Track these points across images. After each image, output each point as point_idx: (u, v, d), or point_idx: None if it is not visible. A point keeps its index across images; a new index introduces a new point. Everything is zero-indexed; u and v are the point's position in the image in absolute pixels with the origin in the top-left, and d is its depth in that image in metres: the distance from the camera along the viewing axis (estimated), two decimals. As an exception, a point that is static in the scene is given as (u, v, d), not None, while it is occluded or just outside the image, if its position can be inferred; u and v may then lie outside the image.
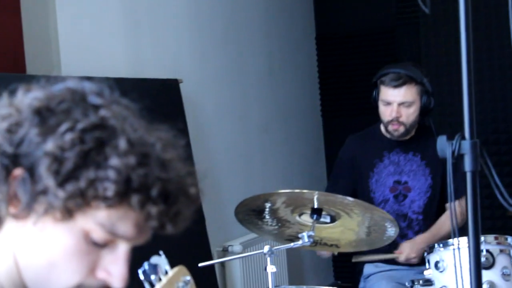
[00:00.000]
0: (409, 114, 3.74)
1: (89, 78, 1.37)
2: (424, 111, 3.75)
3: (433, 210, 3.83)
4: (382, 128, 3.92)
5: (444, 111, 5.80)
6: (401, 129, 3.76)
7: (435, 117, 5.63)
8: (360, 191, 3.87)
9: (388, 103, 3.74)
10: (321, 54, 6.71)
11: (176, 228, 1.32)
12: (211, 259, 3.66)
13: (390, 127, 3.77)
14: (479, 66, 5.69)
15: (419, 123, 3.87)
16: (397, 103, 3.72)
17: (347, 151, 3.97)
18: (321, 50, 6.71)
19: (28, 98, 1.29)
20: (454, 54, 6.02)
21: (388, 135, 3.85)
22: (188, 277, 1.53)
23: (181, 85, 4.42)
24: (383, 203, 3.82)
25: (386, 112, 3.76)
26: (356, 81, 6.40)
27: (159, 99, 4.18)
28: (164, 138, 1.31)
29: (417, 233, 3.82)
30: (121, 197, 1.23)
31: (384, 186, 3.84)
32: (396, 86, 3.71)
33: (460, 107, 1.81)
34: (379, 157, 3.87)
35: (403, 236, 3.80)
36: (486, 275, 2.88)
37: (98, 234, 1.26)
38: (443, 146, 1.80)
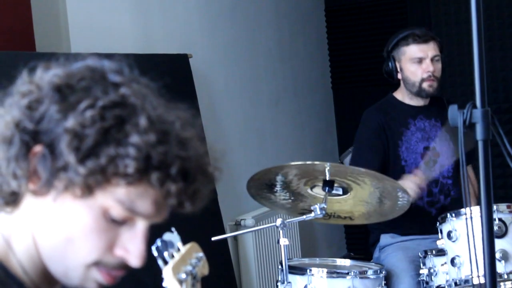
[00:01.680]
0: (439, 69, 3.84)
1: (108, 56, 1.39)
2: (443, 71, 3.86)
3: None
4: (400, 95, 3.94)
5: (454, 81, 5.80)
6: (435, 84, 3.82)
7: (446, 88, 5.65)
8: (390, 161, 3.85)
9: (420, 60, 3.79)
10: (330, 26, 6.68)
11: (194, 207, 1.34)
12: (224, 233, 3.69)
13: (426, 84, 3.81)
14: (490, 34, 5.68)
15: None
16: (430, 57, 3.78)
17: (370, 124, 3.91)
18: (330, 22, 6.68)
19: (48, 75, 1.30)
20: (464, 23, 6.02)
21: (407, 100, 3.86)
22: (201, 254, 1.55)
23: (190, 60, 4.42)
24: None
25: (419, 70, 3.80)
26: (366, 53, 6.38)
27: (168, 75, 4.17)
28: (183, 117, 1.32)
29: (448, 197, 3.85)
30: (141, 174, 1.24)
31: (415, 153, 3.83)
32: (426, 41, 3.79)
33: (471, 76, 1.82)
34: (405, 125, 3.87)
35: (435, 202, 3.82)
36: (499, 243, 2.89)
37: (117, 211, 1.27)
38: (455, 115, 1.81)
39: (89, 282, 1.33)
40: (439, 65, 3.83)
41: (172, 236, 1.44)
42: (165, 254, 1.40)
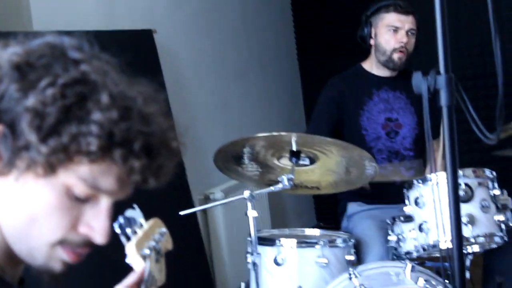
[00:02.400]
0: (412, 44, 3.86)
1: (68, 33, 1.37)
2: (415, 47, 3.88)
3: (422, 147, 3.88)
4: (367, 66, 3.95)
5: (418, 49, 5.80)
6: (404, 58, 3.84)
7: (411, 57, 5.65)
8: (350, 130, 3.86)
9: (396, 30, 3.80)
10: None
11: (158, 182, 1.33)
12: (193, 207, 3.67)
13: (396, 55, 3.82)
14: (456, 0, 5.69)
15: None
16: (406, 29, 3.80)
17: (330, 92, 3.92)
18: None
19: (6, 53, 1.27)
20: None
21: (374, 70, 3.87)
22: (164, 229, 1.55)
23: (155, 35, 4.38)
24: (376, 141, 3.84)
25: (392, 39, 3.82)
26: (333, 22, 6.36)
27: (132, 51, 4.14)
28: (145, 92, 1.31)
29: (408, 170, 3.86)
30: (104, 151, 1.23)
31: (376, 123, 3.84)
32: (406, 13, 3.81)
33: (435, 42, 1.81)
34: (368, 94, 3.87)
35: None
36: (465, 208, 2.90)
37: (80, 189, 1.26)
38: (419, 82, 1.81)
39: (53, 261, 1.31)
40: (412, 40, 3.85)
41: (134, 213, 1.43)
42: (128, 230, 1.40)
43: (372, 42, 3.90)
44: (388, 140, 3.84)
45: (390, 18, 3.82)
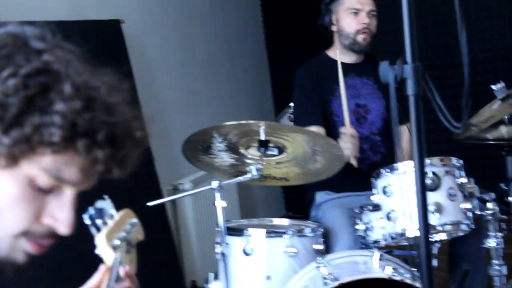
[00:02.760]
0: (374, 25, 3.90)
1: (30, 23, 1.35)
2: (377, 29, 3.91)
3: (390, 132, 3.89)
4: (332, 53, 3.95)
5: (384, 38, 5.81)
6: (368, 38, 3.88)
7: (377, 45, 5.66)
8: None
9: (356, 12, 3.84)
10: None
11: (122, 172, 1.32)
12: (161, 198, 3.66)
13: (360, 37, 3.85)
14: (420, -9, 5.72)
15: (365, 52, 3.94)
16: (366, 10, 3.84)
17: (303, 80, 3.92)
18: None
19: None
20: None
21: (339, 57, 3.88)
22: (135, 220, 1.54)
23: (123, 25, 4.35)
24: None
25: (354, 21, 3.85)
26: (301, 12, 6.37)
27: (100, 41, 4.11)
28: (109, 82, 1.30)
29: (377, 154, 3.88)
30: (67, 142, 1.21)
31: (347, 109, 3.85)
32: None
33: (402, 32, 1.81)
34: (337, 81, 3.87)
35: (365, 159, 3.84)
36: (433, 196, 2.91)
37: (44, 180, 1.25)
38: (386, 71, 1.81)
39: (17, 252, 1.30)
40: (374, 21, 3.88)
41: (105, 204, 1.42)
42: (98, 221, 1.39)
43: (334, 28, 3.93)
44: (358, 125, 3.85)
45: (350, 2, 3.86)
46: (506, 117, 3.64)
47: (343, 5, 3.88)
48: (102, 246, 1.38)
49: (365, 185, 3.31)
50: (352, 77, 3.91)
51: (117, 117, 1.26)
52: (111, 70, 1.33)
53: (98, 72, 1.30)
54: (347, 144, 3.55)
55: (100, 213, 1.40)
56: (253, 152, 3.20)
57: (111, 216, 1.43)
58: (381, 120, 3.90)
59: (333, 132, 3.74)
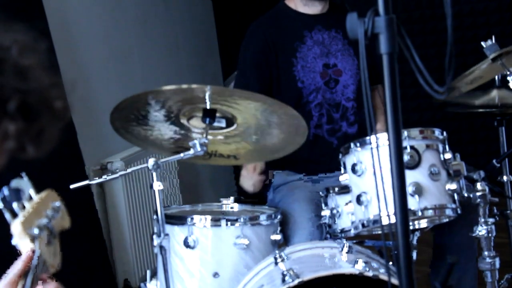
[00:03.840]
0: None
1: None
2: None
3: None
4: (292, 3, 3.95)
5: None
6: None
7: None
8: (284, 84, 3.86)
9: None
10: None
11: (39, 150, 1.31)
12: (86, 179, 3.63)
13: None
14: None
15: (330, 1, 3.94)
16: None
17: (254, 41, 3.91)
18: None
19: None
20: None
21: (301, 8, 3.88)
22: (58, 203, 1.52)
23: (35, -32, 4.30)
24: (315, 93, 3.84)
25: None
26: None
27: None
28: (22, 41, 1.28)
29: (352, 124, 3.89)
30: None
31: (313, 72, 3.84)
32: None
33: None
34: (300, 38, 3.87)
35: (336, 130, 3.86)
36: (411, 175, 2.93)
37: None
38: (354, 24, 1.80)
39: None
40: None
41: (22, 183, 1.41)
42: (14, 205, 1.37)
43: None
44: (328, 91, 3.85)
45: None
46: (497, 79, 3.67)
47: None
48: (19, 236, 1.36)
49: (334, 163, 3.32)
50: (319, 31, 3.90)
51: (32, 83, 1.25)
52: (24, 26, 1.31)
53: (8, 28, 1.28)
54: (247, 182, 3.65)
55: (16, 194, 1.38)
56: (196, 124, 3.19)
57: (30, 198, 1.41)
58: (355, 83, 3.90)
59: (296, 101, 3.74)
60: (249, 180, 3.69)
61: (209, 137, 3.09)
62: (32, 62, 1.27)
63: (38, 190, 1.48)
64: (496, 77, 3.67)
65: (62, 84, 1.35)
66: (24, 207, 1.38)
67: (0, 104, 1.21)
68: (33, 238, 1.38)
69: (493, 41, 3.50)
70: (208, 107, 3.05)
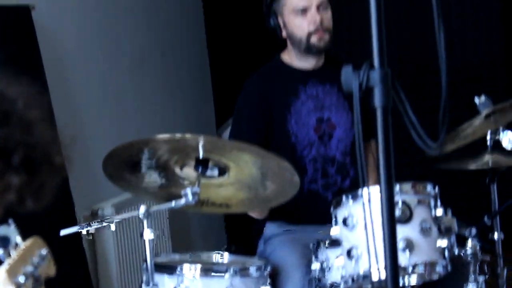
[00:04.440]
0: (329, 19, 3.86)
1: None
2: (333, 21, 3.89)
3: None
4: (287, 58, 3.95)
5: (352, 37, 5.86)
6: (326, 37, 3.84)
7: (343, 45, 5.71)
8: (278, 139, 3.86)
9: (304, 11, 3.81)
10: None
11: (37, 204, 1.30)
12: (76, 225, 3.61)
13: (314, 39, 3.82)
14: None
15: (326, 54, 3.94)
16: (315, 5, 3.80)
17: (250, 95, 3.92)
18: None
19: None
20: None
21: (296, 62, 3.88)
22: (45, 250, 1.51)
23: (33, 12, 4.31)
24: (309, 147, 3.84)
25: (304, 22, 3.82)
26: (249, 4, 6.38)
27: (5, 31, 4.07)
28: (27, 94, 1.27)
29: (346, 178, 3.88)
30: None
31: (307, 127, 3.84)
32: None
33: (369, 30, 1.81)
34: (294, 93, 3.87)
35: (331, 185, 3.86)
36: (402, 231, 2.92)
37: None
38: (349, 77, 1.80)
39: None
40: (327, 14, 3.85)
41: (9, 230, 1.40)
42: (0, 251, 1.36)
43: (284, 33, 3.91)
44: (322, 145, 3.85)
45: (293, 0, 3.83)
46: (489, 142, 3.67)
47: (286, 6, 3.85)
48: (4, 283, 1.35)
49: (327, 217, 3.31)
50: (313, 85, 3.91)
51: (36, 137, 1.24)
52: (29, 79, 1.30)
53: (14, 80, 1.27)
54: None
55: (3, 242, 1.37)
56: (188, 172, 3.19)
57: (16, 246, 1.40)
58: (350, 137, 3.91)
59: (290, 156, 3.73)
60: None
61: (203, 181, 3.08)
62: (36, 115, 1.26)
63: (26, 234, 1.46)
64: (488, 141, 3.67)
65: (59, 137, 1.34)
66: (10, 255, 1.37)
67: (5, 156, 1.20)
68: (18, 286, 1.37)
69: (486, 97, 3.50)
70: (201, 156, 3.04)
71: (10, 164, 1.21)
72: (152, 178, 3.26)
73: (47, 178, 1.28)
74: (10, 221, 1.40)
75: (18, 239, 1.41)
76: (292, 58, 3.94)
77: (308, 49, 3.85)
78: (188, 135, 2.98)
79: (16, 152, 1.21)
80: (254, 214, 3.80)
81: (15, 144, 1.21)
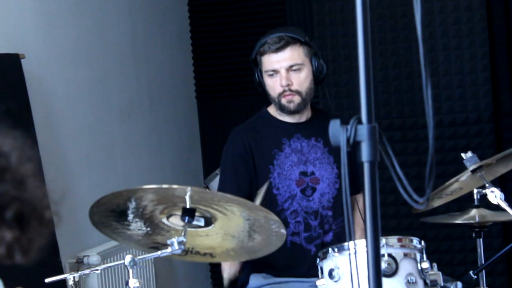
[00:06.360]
0: (302, 81, 3.83)
1: None
2: (317, 78, 3.86)
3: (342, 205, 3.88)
4: (273, 111, 3.96)
5: (340, 91, 5.89)
6: (296, 99, 3.83)
7: (330, 99, 5.72)
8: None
9: (274, 72, 3.81)
10: (195, 24, 6.69)
11: (26, 259, 1.29)
12: (61, 272, 3.59)
13: (284, 100, 3.83)
14: (382, 37, 5.80)
15: (313, 107, 3.96)
16: (284, 68, 3.79)
17: (234, 146, 3.93)
18: (195, 19, 6.69)
19: None
20: (352, 23, 6.10)
21: (282, 116, 3.89)
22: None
23: (23, 61, 4.32)
24: (290, 200, 3.85)
25: (275, 84, 3.82)
26: (238, 56, 6.41)
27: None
28: (20, 148, 1.27)
29: (329, 232, 3.88)
30: None
31: (289, 180, 3.85)
32: (278, 49, 3.79)
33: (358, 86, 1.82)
34: (278, 146, 3.88)
35: (314, 238, 3.85)
36: (388, 283, 2.92)
37: None
38: (337, 132, 1.81)
39: None
40: (299, 75, 3.83)
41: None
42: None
43: (265, 90, 3.93)
44: (304, 198, 3.85)
45: (265, 62, 3.85)
46: (475, 197, 3.69)
47: (262, 66, 3.88)
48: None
49: (312, 270, 3.30)
50: (298, 139, 3.92)
51: (28, 193, 1.24)
52: (20, 132, 1.30)
53: (7, 134, 1.27)
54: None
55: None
56: (175, 221, 3.18)
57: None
58: (333, 191, 3.91)
59: (272, 208, 3.74)
60: (232, 268, 3.67)
61: (189, 230, 3.07)
62: (28, 170, 1.26)
63: (10, 284, 1.46)
64: (475, 196, 3.69)
65: (47, 193, 1.34)
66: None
67: None
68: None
69: (472, 153, 3.53)
70: (188, 206, 3.04)
71: (3, 219, 1.21)
72: (138, 226, 3.25)
73: (36, 234, 1.28)
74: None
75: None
76: (275, 113, 3.95)
77: (281, 109, 3.88)
78: (175, 186, 2.98)
79: (9, 207, 1.21)
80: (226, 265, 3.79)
81: (9, 200, 1.21)
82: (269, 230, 3.14)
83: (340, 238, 3.84)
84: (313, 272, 3.31)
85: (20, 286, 1.47)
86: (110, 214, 3.16)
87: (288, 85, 3.79)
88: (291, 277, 3.81)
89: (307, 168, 3.89)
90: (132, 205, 3.10)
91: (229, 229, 3.18)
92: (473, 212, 3.73)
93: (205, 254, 3.33)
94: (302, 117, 3.94)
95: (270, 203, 3.75)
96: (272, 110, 3.98)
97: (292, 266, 3.79)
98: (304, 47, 3.84)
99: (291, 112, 3.86)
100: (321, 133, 3.89)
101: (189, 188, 2.94)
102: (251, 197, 3.74)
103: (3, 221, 1.20)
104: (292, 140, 3.90)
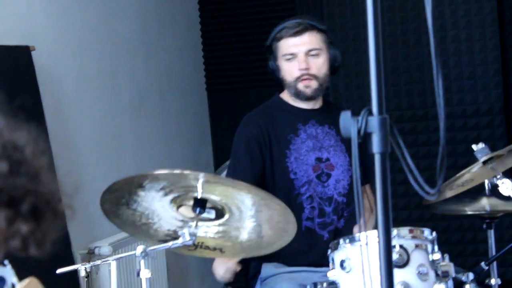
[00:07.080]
0: (320, 65, 3.85)
1: None
2: (333, 66, 3.88)
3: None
4: (287, 97, 3.97)
5: (350, 83, 5.88)
6: (313, 84, 3.84)
7: (341, 90, 5.73)
8: (277, 175, 3.87)
9: (292, 56, 3.82)
10: (204, 16, 6.69)
11: (40, 252, 1.30)
12: (73, 263, 3.61)
13: (301, 85, 3.84)
14: (391, 29, 5.80)
15: (323, 99, 3.96)
16: (303, 52, 3.81)
17: (249, 129, 3.92)
18: (204, 11, 6.69)
19: None
20: (362, 15, 6.08)
21: (296, 102, 3.89)
22: (42, 291, 1.51)
23: (33, 53, 4.32)
24: (307, 185, 3.84)
25: (292, 68, 3.84)
26: (248, 48, 6.42)
27: (5, 71, 4.08)
28: (34, 142, 1.28)
29: (341, 218, 3.89)
30: None
31: (306, 165, 3.85)
32: (297, 33, 3.82)
33: (369, 78, 1.82)
34: (294, 131, 3.89)
35: (327, 224, 3.86)
36: (400, 274, 2.92)
37: None
38: (347, 123, 1.80)
39: None
40: (318, 60, 3.86)
41: (5, 271, 1.40)
42: (-4, 293, 1.36)
43: (279, 75, 3.93)
44: (320, 184, 3.85)
45: (283, 46, 3.86)
46: (487, 187, 3.69)
47: (279, 50, 3.88)
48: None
49: (323, 259, 3.30)
50: (313, 125, 3.92)
51: (43, 185, 1.25)
52: (33, 125, 1.30)
53: (21, 128, 1.28)
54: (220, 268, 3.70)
55: (-1, 283, 1.38)
56: (186, 212, 3.17)
57: (12, 286, 1.40)
58: (347, 179, 3.91)
59: (288, 192, 3.74)
60: (223, 266, 3.68)
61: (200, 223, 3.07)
62: (42, 163, 1.27)
63: (22, 275, 1.46)
64: (486, 185, 3.68)
65: (59, 185, 1.35)
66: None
67: (15, 205, 1.21)
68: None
69: (483, 145, 3.52)
70: (199, 196, 3.04)
71: (19, 212, 1.21)
72: (147, 217, 3.24)
73: (50, 226, 1.29)
74: (6, 261, 1.40)
75: (14, 279, 1.41)
76: (289, 99, 3.95)
77: (296, 95, 3.88)
78: (187, 171, 2.97)
79: (25, 200, 1.22)
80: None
81: (24, 193, 1.21)
82: (280, 223, 3.13)
83: (350, 225, 3.85)
84: (323, 261, 3.31)
85: (31, 276, 1.47)
86: (121, 202, 3.15)
87: (306, 68, 3.80)
88: (302, 266, 3.81)
89: (322, 154, 3.89)
90: (142, 194, 3.10)
91: (240, 222, 3.18)
92: (484, 201, 3.73)
93: (214, 249, 3.32)
94: (316, 104, 3.95)
95: (287, 187, 3.76)
96: (285, 96, 3.98)
97: (303, 252, 3.78)
98: (322, 34, 3.87)
99: (306, 98, 3.87)
100: (333, 122, 3.89)
101: (201, 174, 2.94)
102: (263, 183, 3.76)
103: (19, 214, 1.21)
104: (307, 125, 3.90)
